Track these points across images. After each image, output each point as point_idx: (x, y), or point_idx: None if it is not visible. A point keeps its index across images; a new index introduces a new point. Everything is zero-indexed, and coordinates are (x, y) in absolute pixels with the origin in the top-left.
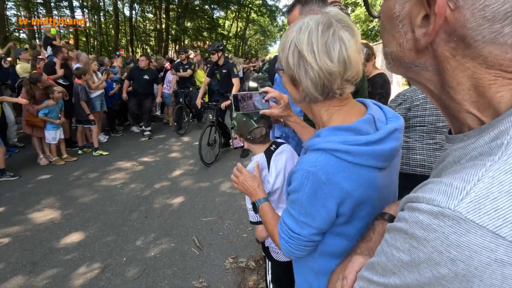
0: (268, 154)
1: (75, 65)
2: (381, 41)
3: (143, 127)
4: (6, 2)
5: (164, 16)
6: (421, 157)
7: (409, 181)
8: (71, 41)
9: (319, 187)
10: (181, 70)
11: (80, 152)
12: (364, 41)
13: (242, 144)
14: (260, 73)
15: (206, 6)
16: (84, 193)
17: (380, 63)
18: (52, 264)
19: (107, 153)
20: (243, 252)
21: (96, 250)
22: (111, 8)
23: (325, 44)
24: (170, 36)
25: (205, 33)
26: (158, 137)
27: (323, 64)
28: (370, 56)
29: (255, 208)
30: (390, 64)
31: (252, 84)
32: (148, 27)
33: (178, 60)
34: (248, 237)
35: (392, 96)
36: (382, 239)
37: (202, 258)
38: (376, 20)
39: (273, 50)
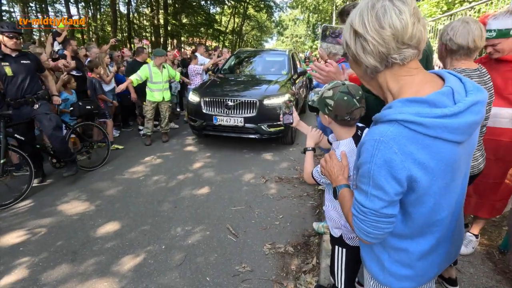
0: (356, 140)
1: (89, 59)
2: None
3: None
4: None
5: (162, 11)
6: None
7: None
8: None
9: (390, 157)
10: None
11: (94, 146)
12: None
13: (292, 121)
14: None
15: (203, 2)
16: (107, 186)
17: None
18: (93, 253)
19: (122, 147)
20: (278, 238)
21: (133, 239)
22: (108, 3)
23: (375, 15)
24: (168, 31)
25: (202, 29)
26: (170, 130)
27: (374, 32)
28: None
29: (335, 194)
30: None
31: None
32: (145, 23)
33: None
34: (281, 225)
35: None
36: None
37: (240, 244)
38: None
39: (269, 46)
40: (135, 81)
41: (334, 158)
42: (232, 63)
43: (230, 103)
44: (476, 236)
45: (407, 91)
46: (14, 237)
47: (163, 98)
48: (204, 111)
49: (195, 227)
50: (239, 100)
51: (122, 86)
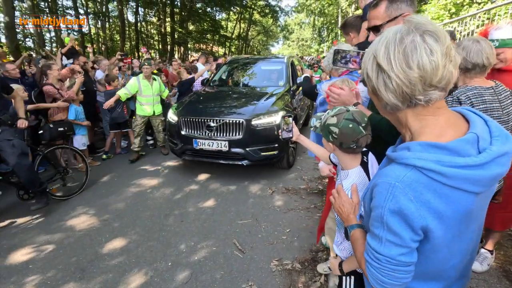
0: (365, 168)
1: (98, 72)
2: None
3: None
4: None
5: (169, 19)
6: None
7: None
8: (76, 47)
9: (405, 205)
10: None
11: (104, 157)
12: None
13: (291, 135)
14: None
15: (209, 9)
16: (115, 199)
17: None
18: (101, 270)
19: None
20: (285, 254)
21: (140, 255)
22: (116, 13)
23: (402, 51)
24: (175, 39)
25: (208, 36)
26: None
27: (399, 71)
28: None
29: (347, 234)
30: None
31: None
32: (152, 31)
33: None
34: (288, 239)
35: None
36: None
37: (247, 261)
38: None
39: (275, 50)
40: (123, 96)
41: (343, 195)
42: (224, 73)
43: (212, 124)
44: (491, 252)
45: (428, 132)
46: (23, 254)
47: (154, 112)
48: (182, 132)
49: (202, 242)
50: (223, 120)
51: (109, 102)
